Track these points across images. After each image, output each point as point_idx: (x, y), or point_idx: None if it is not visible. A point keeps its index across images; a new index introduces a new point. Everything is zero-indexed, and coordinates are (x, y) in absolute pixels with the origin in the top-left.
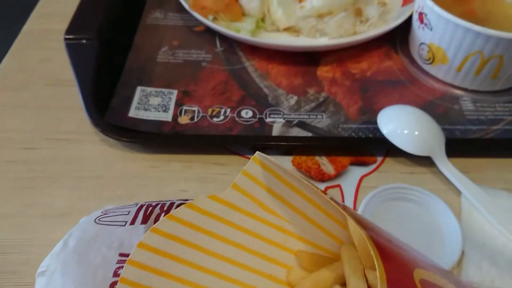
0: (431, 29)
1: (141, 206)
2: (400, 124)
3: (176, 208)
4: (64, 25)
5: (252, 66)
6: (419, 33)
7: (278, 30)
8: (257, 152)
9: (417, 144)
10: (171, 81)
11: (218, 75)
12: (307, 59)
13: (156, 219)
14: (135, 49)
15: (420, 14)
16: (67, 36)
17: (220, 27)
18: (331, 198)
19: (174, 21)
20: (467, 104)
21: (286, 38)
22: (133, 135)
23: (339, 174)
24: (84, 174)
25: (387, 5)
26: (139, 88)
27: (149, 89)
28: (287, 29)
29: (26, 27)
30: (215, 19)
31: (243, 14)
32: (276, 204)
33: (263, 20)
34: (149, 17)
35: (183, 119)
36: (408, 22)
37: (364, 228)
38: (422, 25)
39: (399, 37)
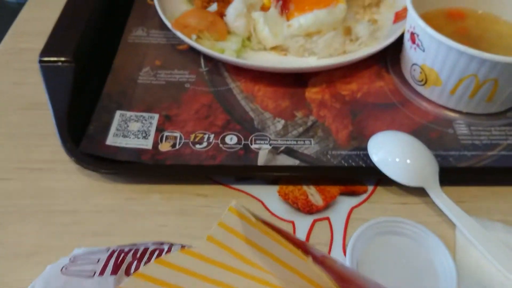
0: (423, 51)
1: (113, 252)
2: (391, 151)
3: (149, 254)
4: (41, 44)
5: (237, 87)
6: (411, 54)
7: (265, 49)
8: (233, 203)
9: (409, 174)
10: (152, 104)
11: (202, 97)
12: (295, 80)
13: (128, 268)
14: (115, 70)
15: (412, 34)
16: (42, 58)
17: (203, 47)
18: (310, 254)
19: (157, 39)
20: (461, 127)
21: (274, 57)
22: (111, 165)
23: (328, 205)
24: (57, 207)
25: (378, 22)
26: (118, 113)
27: (128, 114)
28: (274, 48)
29: (0, 46)
30: (199, 38)
31: (229, 32)
32: (257, 255)
33: (249, 38)
34: (131, 35)
35: (164, 146)
36: (400, 40)
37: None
38: (414, 46)
39: (391, 56)
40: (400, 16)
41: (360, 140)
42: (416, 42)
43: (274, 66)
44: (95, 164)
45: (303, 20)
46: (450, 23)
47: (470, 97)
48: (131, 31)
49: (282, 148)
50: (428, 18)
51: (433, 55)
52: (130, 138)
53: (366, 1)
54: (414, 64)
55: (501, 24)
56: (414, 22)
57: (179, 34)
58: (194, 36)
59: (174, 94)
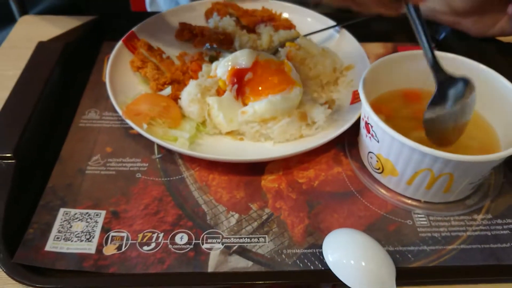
0: (378, 141)
1: None
2: (346, 253)
3: None
4: None
5: (191, 176)
6: (367, 142)
7: (220, 133)
8: None
9: (364, 278)
10: (99, 199)
11: (153, 189)
12: (251, 166)
13: None
14: (62, 160)
15: (367, 124)
16: None
17: (154, 137)
18: None
19: (109, 122)
20: (420, 218)
21: (229, 142)
22: (46, 279)
23: None
24: None
25: (335, 103)
26: (61, 211)
27: (73, 211)
28: (230, 133)
29: None
30: (151, 125)
31: (184, 115)
32: None
33: (204, 123)
34: (83, 118)
35: (109, 249)
36: (358, 123)
37: None
38: (369, 135)
39: (349, 138)
40: (357, 96)
41: (316, 236)
42: (370, 132)
43: (226, 158)
44: (28, 278)
45: (257, 106)
46: (406, 105)
47: (427, 188)
48: (84, 113)
49: (235, 248)
50: (384, 100)
51: (387, 148)
52: (72, 241)
53: (324, 80)
54: (370, 152)
55: None
56: (367, 113)
57: (130, 123)
58: (145, 125)
59: (123, 186)
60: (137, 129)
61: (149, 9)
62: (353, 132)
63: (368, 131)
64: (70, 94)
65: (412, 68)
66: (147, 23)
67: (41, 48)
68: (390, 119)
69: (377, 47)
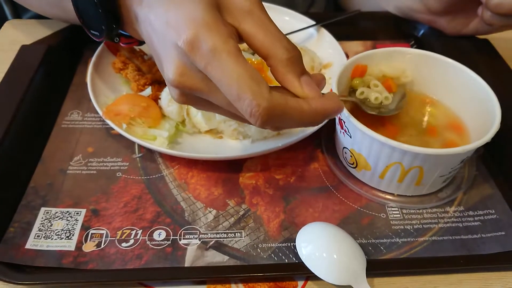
0: (350, 137)
1: None
2: (318, 246)
3: None
4: None
5: (170, 174)
6: (341, 138)
7: (200, 132)
8: None
9: (336, 271)
10: (80, 198)
11: (133, 187)
12: (229, 164)
13: None
14: (44, 161)
15: (340, 120)
16: None
17: (133, 137)
18: None
19: (91, 123)
20: (393, 212)
21: (209, 140)
22: (26, 275)
23: None
24: None
25: None
26: (42, 210)
27: (54, 210)
28: (209, 132)
29: None
30: (131, 125)
31: (163, 115)
32: None
33: (183, 122)
34: (65, 119)
35: (88, 246)
36: (334, 120)
37: None
38: (343, 131)
39: (325, 135)
40: None
41: (291, 230)
42: (344, 128)
43: (203, 156)
44: (7, 274)
45: None
46: None
47: (399, 181)
48: (66, 114)
49: (211, 243)
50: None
51: (359, 143)
52: (52, 239)
53: None
54: (345, 147)
55: (435, 106)
56: None
57: (110, 123)
58: (124, 125)
59: (104, 185)
60: (116, 129)
61: None
62: (329, 129)
63: (342, 127)
64: (53, 96)
65: (387, 65)
66: None
67: (24, 51)
68: (360, 114)
69: (356, 45)
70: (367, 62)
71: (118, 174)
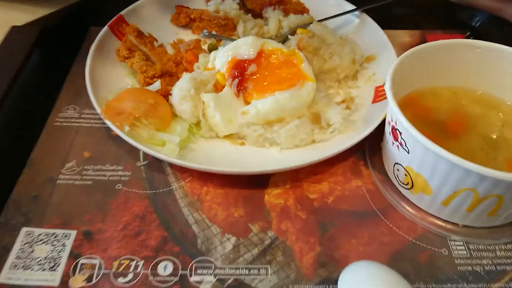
0: (408, 152)
1: None
2: None
3: None
4: None
5: (181, 189)
6: (394, 151)
7: (217, 137)
8: None
9: None
10: (70, 215)
11: (135, 204)
12: (253, 177)
13: None
14: (31, 166)
15: (394, 129)
16: None
17: (137, 143)
18: None
19: (89, 121)
20: (458, 247)
21: (228, 147)
22: None
23: None
24: None
25: (354, 101)
26: (23, 231)
27: (37, 232)
28: (228, 136)
29: None
30: (135, 126)
31: (175, 115)
32: None
33: (198, 125)
34: (60, 116)
35: (77, 281)
36: (381, 125)
37: None
38: (397, 143)
39: (370, 144)
40: (380, 93)
41: (330, 267)
42: (399, 140)
43: (222, 170)
44: None
45: (261, 106)
46: (443, 107)
47: (468, 210)
48: (61, 110)
49: (230, 281)
50: (415, 99)
51: (420, 160)
52: (32, 270)
53: (341, 74)
54: (397, 163)
55: (503, 109)
56: (395, 115)
57: (109, 124)
58: (127, 127)
59: (100, 200)
60: (117, 131)
61: None
62: (375, 136)
63: (396, 139)
64: (47, 87)
65: (448, 61)
66: (138, 5)
67: (15, 33)
68: (421, 123)
69: (402, 35)
70: (424, 56)
71: (118, 186)
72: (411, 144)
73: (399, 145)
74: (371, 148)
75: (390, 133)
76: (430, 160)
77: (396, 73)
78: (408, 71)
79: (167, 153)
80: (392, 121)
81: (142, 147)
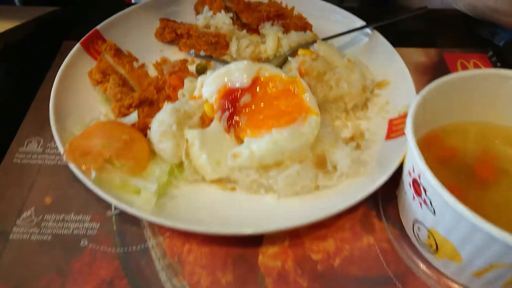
0: (433, 213)
1: None
2: None
3: None
4: None
5: (158, 246)
6: (415, 208)
7: (204, 181)
8: None
9: None
10: (23, 279)
11: (103, 266)
12: None
13: None
14: None
15: (416, 182)
16: None
17: (104, 193)
18: None
19: (55, 157)
20: None
21: (216, 193)
22: None
23: None
24: None
25: (364, 136)
26: None
27: None
28: (217, 181)
29: None
30: (104, 169)
31: (153, 153)
32: None
33: (180, 166)
34: (20, 151)
35: None
36: (398, 170)
37: None
38: (420, 199)
39: (384, 189)
40: (395, 128)
41: None
42: (422, 197)
43: (207, 231)
44: None
45: (255, 147)
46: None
47: (506, 285)
48: (22, 143)
49: None
50: (436, 138)
51: (449, 225)
52: None
53: (349, 103)
54: (418, 221)
55: None
56: (418, 167)
57: (73, 168)
58: (93, 173)
59: (61, 260)
60: (81, 178)
61: None
62: (390, 180)
63: (418, 194)
64: (7, 115)
65: (477, 93)
66: (117, 18)
67: None
68: (444, 168)
69: (416, 53)
70: (448, 90)
71: (83, 242)
72: (439, 206)
73: (422, 202)
74: (385, 195)
75: (410, 185)
76: (463, 229)
77: (418, 113)
78: (430, 107)
79: (142, 204)
80: (413, 172)
81: (110, 199)
